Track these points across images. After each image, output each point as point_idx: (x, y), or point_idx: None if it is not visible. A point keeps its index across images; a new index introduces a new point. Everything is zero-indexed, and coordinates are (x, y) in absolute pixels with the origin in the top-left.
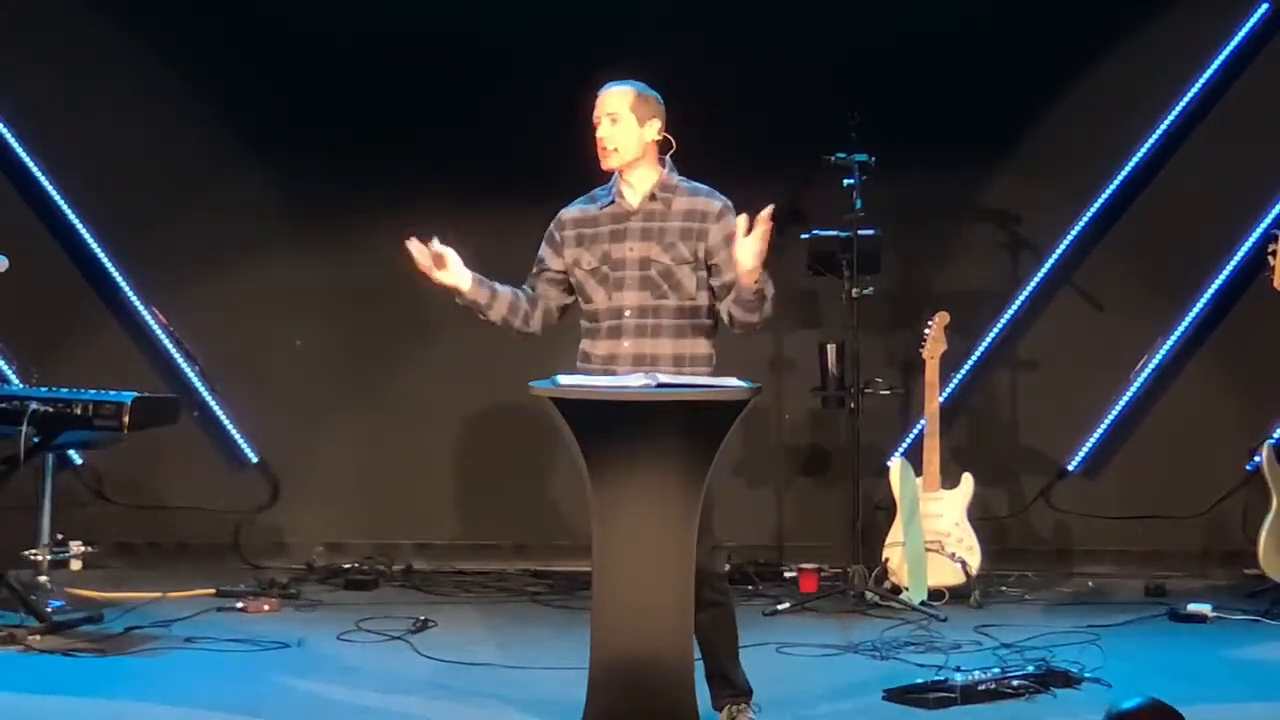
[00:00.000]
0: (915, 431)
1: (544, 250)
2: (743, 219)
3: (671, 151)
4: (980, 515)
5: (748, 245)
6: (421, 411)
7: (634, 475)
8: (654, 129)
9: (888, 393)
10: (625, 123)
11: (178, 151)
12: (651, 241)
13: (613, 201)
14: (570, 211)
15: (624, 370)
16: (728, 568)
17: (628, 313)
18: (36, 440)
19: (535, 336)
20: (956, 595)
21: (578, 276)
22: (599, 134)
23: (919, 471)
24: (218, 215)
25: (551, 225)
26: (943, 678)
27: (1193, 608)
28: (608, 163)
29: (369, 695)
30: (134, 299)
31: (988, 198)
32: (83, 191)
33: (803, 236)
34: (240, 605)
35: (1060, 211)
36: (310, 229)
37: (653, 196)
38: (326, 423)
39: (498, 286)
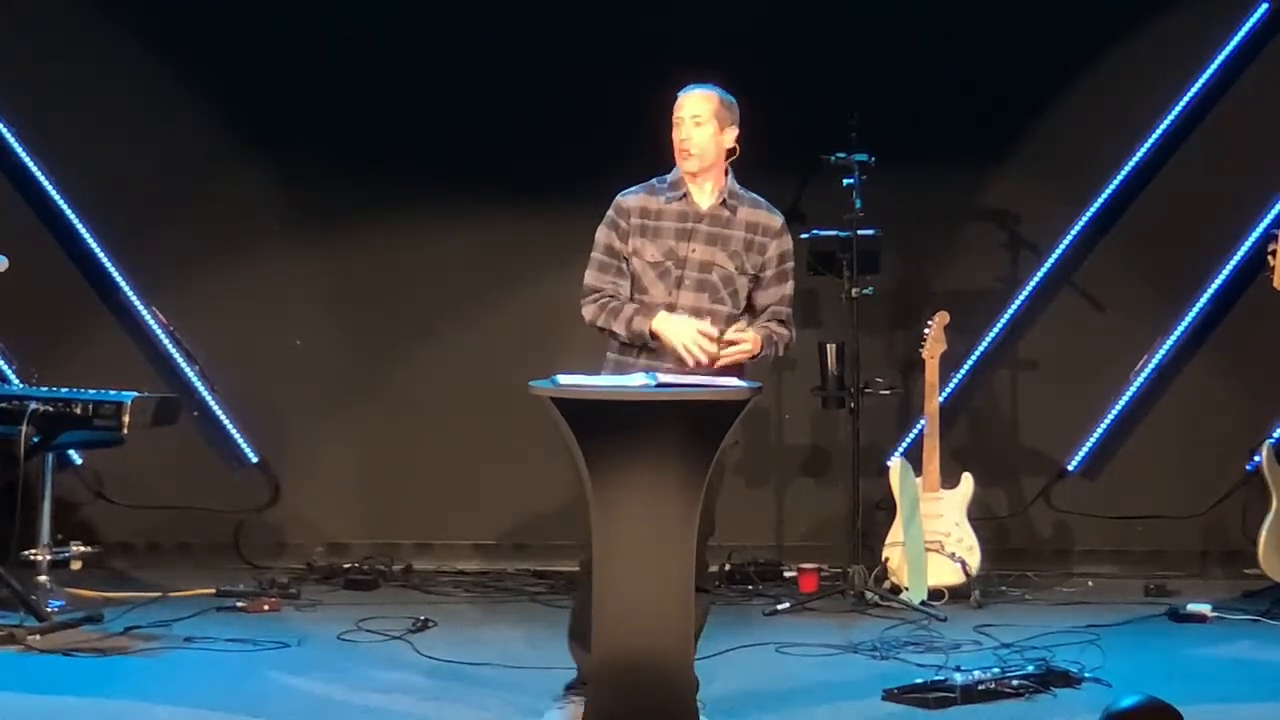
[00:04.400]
0: (915, 431)
1: (613, 239)
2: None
3: (734, 159)
4: (980, 515)
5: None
6: (421, 411)
7: (634, 475)
8: (731, 136)
9: (888, 393)
10: (707, 127)
11: (177, 151)
12: (716, 247)
13: (682, 197)
14: (631, 199)
15: (667, 367)
16: (728, 567)
17: (682, 313)
18: (36, 440)
19: None
20: (956, 595)
21: (635, 266)
22: (680, 135)
23: (919, 471)
24: (218, 215)
25: (612, 212)
26: (943, 678)
27: (1193, 608)
28: (686, 165)
29: (369, 695)
30: (134, 299)
31: (988, 198)
32: (83, 191)
33: (803, 236)
34: (240, 605)
35: (1060, 211)
36: (310, 229)
37: (722, 202)
38: (326, 423)
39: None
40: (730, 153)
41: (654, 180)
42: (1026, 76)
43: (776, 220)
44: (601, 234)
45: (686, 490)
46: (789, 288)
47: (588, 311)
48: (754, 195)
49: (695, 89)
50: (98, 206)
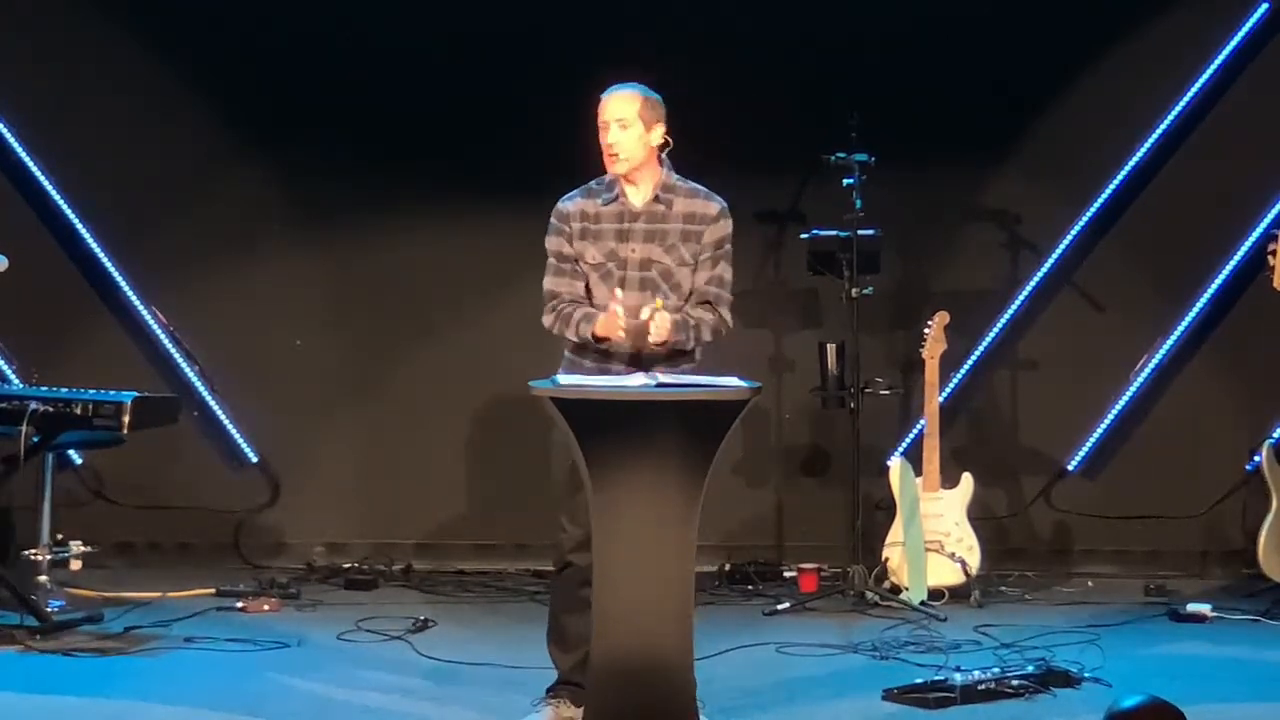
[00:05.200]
0: (915, 431)
1: (561, 245)
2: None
3: (668, 150)
4: (980, 515)
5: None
6: (421, 411)
7: (634, 475)
8: (659, 133)
9: (888, 393)
10: (633, 129)
11: (177, 151)
12: (654, 243)
13: (616, 199)
14: (570, 205)
15: (619, 367)
16: (728, 567)
17: (625, 311)
18: (36, 440)
19: None
20: (956, 595)
21: (583, 268)
22: (606, 139)
23: (919, 471)
24: (218, 215)
25: (554, 219)
26: (943, 678)
27: (1193, 608)
28: (615, 169)
29: (369, 695)
30: (134, 299)
31: (988, 198)
32: (83, 191)
33: (803, 236)
34: (240, 605)
35: (1060, 211)
36: (310, 229)
37: (656, 198)
38: (326, 423)
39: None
40: (662, 146)
41: (592, 183)
42: (1026, 76)
43: (714, 207)
44: (550, 242)
45: (686, 490)
46: (722, 270)
47: (546, 320)
48: (694, 185)
49: (617, 90)
50: (98, 206)
